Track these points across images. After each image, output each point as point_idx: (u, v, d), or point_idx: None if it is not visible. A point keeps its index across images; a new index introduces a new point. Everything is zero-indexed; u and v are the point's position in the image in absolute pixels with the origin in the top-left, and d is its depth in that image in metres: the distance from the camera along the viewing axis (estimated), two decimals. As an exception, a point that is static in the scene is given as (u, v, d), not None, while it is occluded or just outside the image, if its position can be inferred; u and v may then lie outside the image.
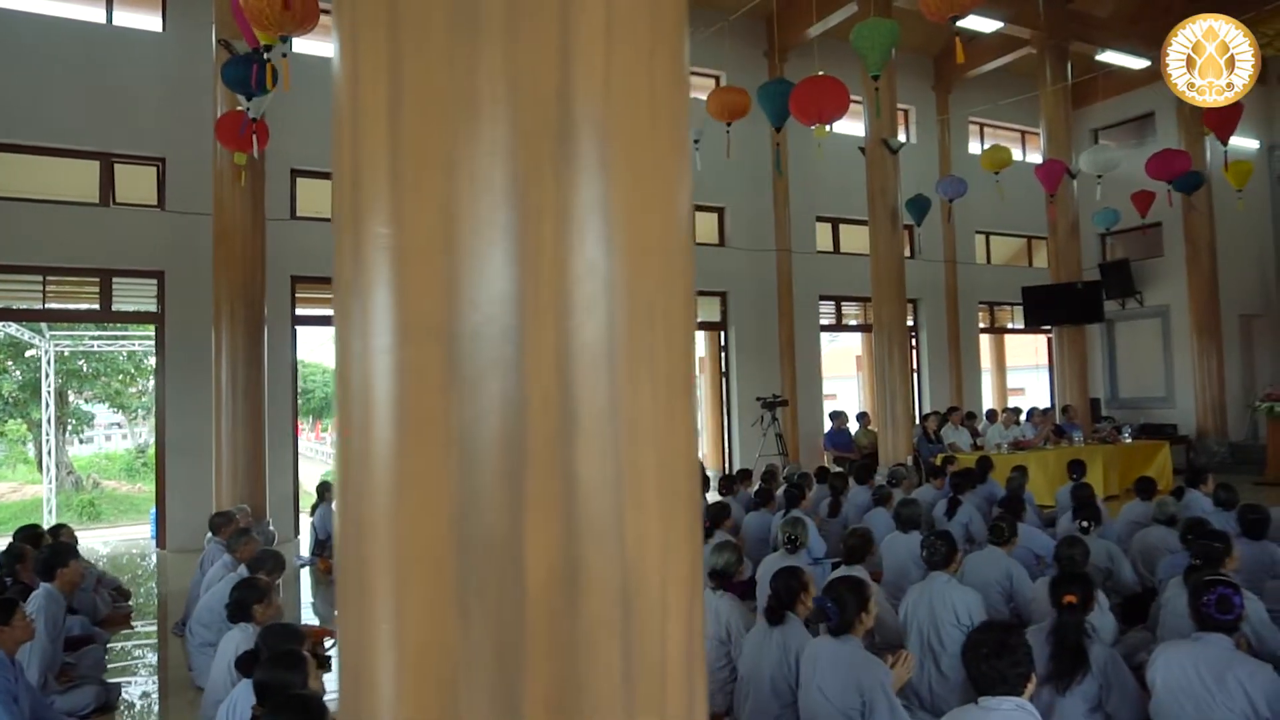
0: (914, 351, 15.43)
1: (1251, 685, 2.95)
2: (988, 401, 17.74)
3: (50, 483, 18.06)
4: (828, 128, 10.83)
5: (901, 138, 15.44)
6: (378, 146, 0.99)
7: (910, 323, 15.32)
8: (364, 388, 0.99)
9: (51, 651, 4.41)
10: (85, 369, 20.99)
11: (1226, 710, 2.97)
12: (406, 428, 0.96)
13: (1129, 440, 12.31)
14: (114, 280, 9.71)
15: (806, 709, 3.30)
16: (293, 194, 10.68)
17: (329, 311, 10.99)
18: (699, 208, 13.41)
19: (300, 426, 37.28)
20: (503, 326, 0.93)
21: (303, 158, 10.68)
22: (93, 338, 18.33)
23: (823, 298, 14.23)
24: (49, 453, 18.14)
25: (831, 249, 14.50)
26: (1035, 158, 14.65)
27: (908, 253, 15.40)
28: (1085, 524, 5.78)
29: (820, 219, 14.30)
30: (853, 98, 8.67)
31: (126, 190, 9.85)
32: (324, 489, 8.90)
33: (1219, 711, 2.98)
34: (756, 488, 7.84)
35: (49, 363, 17.86)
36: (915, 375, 15.42)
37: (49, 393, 17.91)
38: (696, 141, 8.30)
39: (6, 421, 21.52)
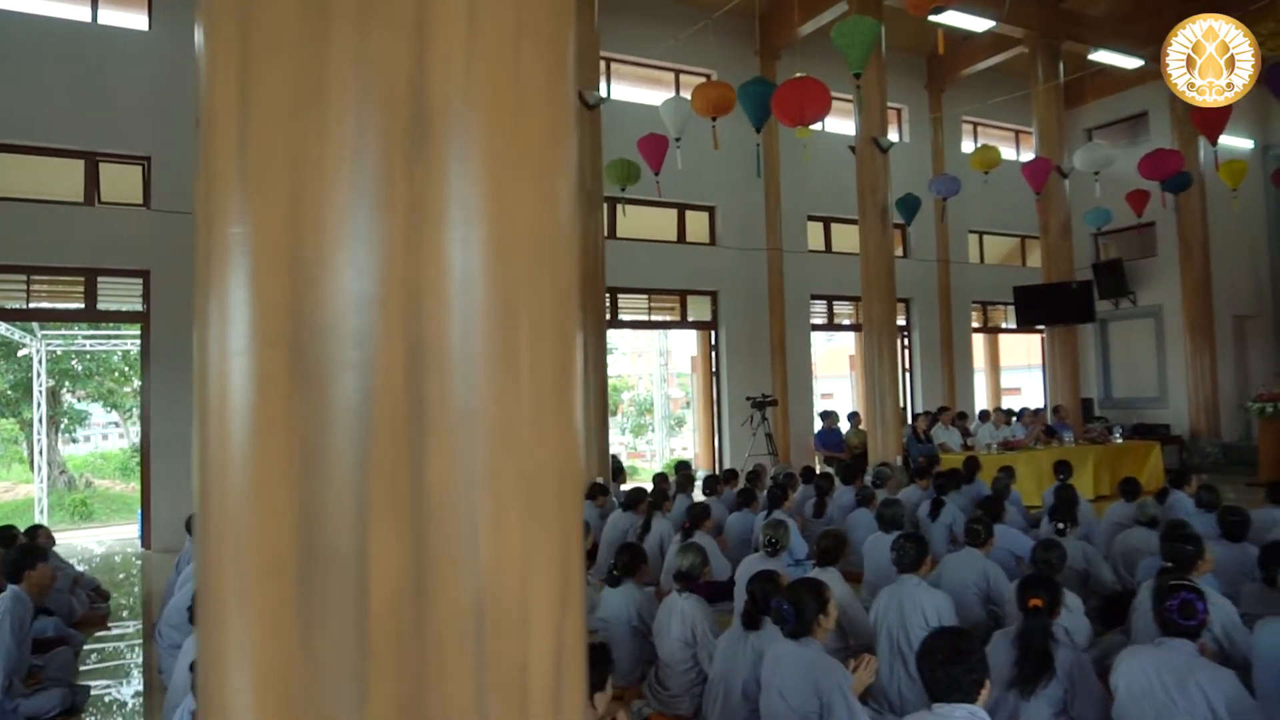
0: (906, 351, 15.41)
1: (1213, 691, 2.91)
2: (981, 402, 17.73)
3: (41, 482, 18.06)
4: (814, 128, 10.78)
5: (894, 137, 15.41)
6: (228, 141, 0.95)
7: (902, 322, 15.32)
8: (218, 392, 0.96)
9: (17, 654, 4.37)
10: (78, 368, 20.96)
11: (1188, 716, 2.93)
12: (253, 434, 0.92)
13: (1120, 441, 12.28)
14: (99, 279, 9.68)
15: (766, 712, 3.26)
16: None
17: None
18: (689, 207, 13.39)
19: None
20: (350, 329, 0.89)
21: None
22: (85, 337, 18.31)
23: (814, 297, 14.19)
24: (40, 452, 18.13)
25: (823, 248, 14.46)
26: (1030, 157, 14.61)
27: (900, 252, 15.38)
28: (1061, 526, 5.74)
29: (812, 218, 14.26)
30: (844, 97, 8.67)
31: (112, 189, 9.81)
32: None
33: (1180, 717, 2.94)
34: (740, 488, 7.79)
35: (40, 362, 17.86)
36: (908, 375, 15.41)
37: (40, 392, 17.90)
38: (678, 139, 8.26)
39: (-1, 421, 21.50)
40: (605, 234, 12.58)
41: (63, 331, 17.68)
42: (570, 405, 1.02)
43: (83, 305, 9.74)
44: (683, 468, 9.86)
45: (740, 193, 13.49)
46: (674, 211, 13.30)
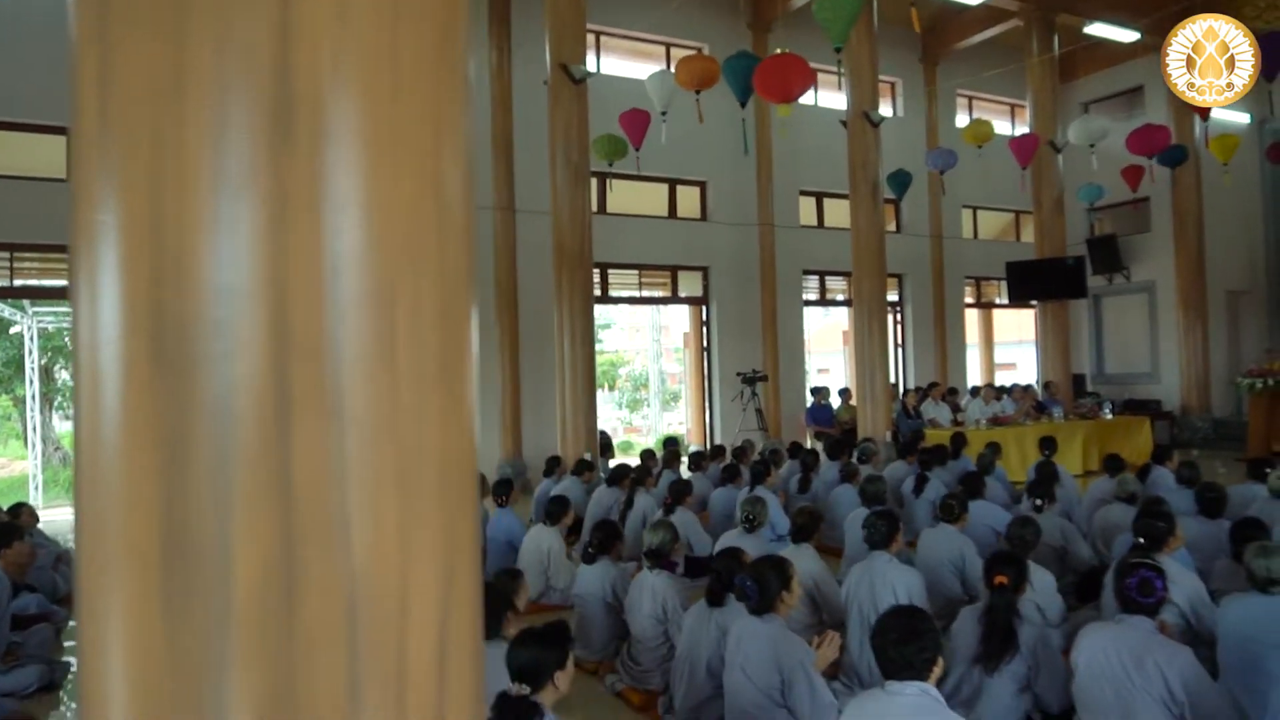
0: (899, 327, 15.39)
1: (1169, 669, 2.93)
2: (975, 378, 17.73)
3: (36, 459, 18.09)
4: (806, 101, 10.63)
5: (888, 111, 15.30)
6: (91, 124, 0.93)
7: (895, 298, 15.29)
8: (89, 381, 0.95)
9: (-7, 630, 4.40)
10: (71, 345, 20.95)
11: (1144, 694, 2.95)
12: (120, 424, 0.91)
13: (1110, 416, 12.29)
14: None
15: (730, 689, 3.29)
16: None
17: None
18: (680, 182, 13.31)
19: None
20: (213, 319, 0.88)
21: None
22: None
23: (806, 272, 14.15)
24: (34, 429, 18.13)
25: (815, 223, 14.39)
26: (1026, 131, 14.47)
27: (893, 227, 15.32)
28: (1039, 502, 5.76)
29: (804, 193, 14.19)
30: (840, 71, 8.58)
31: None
32: None
33: (1137, 695, 2.96)
34: (726, 464, 7.81)
35: (32, 339, 17.82)
36: (900, 350, 15.41)
37: (33, 369, 17.88)
38: (664, 114, 8.17)
39: (-8, 398, 21.49)
40: (595, 209, 12.54)
41: (54, 309, 17.62)
42: (460, 395, 1.01)
43: (66, 283, 9.69)
44: (670, 443, 9.89)
45: (731, 168, 13.40)
46: (665, 187, 13.22)
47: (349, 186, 0.92)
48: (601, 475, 8.58)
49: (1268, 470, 6.25)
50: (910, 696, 2.58)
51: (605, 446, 9.93)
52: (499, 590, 3.37)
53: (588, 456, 9.38)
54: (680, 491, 6.51)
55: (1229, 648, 3.71)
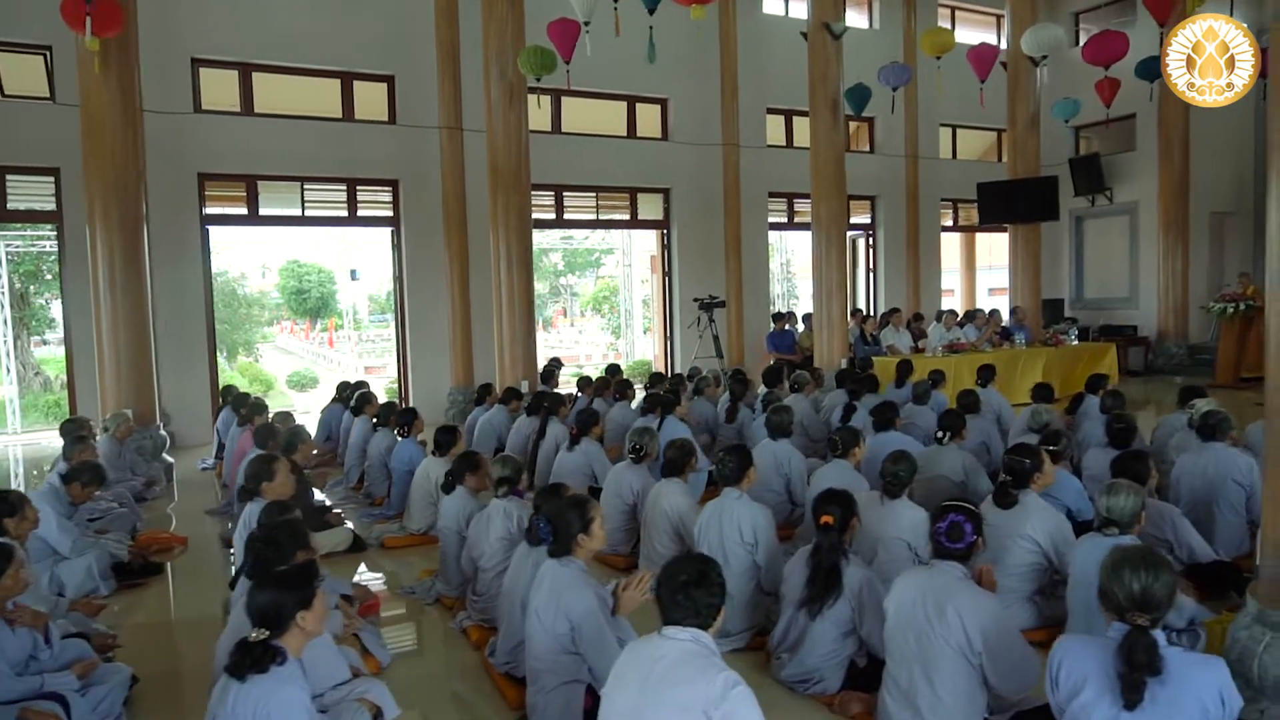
0: (870, 251, 15.01)
1: (969, 618, 2.76)
2: (956, 303, 17.40)
3: (12, 384, 18.13)
4: (773, 11, 10.03)
5: (862, 22, 14.60)
6: None
7: (867, 220, 14.87)
8: None
9: None
10: (44, 270, 20.76)
11: (943, 642, 2.79)
12: None
13: (1075, 342, 12.01)
14: (7, 178, 9.37)
15: (526, 632, 3.15)
16: (195, 86, 10.15)
17: (244, 210, 10.67)
18: (638, 99, 12.79)
19: (291, 326, 36.44)
20: None
21: (205, 46, 10.13)
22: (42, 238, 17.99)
23: (773, 194, 13.71)
24: (9, 354, 18.14)
25: (784, 143, 13.87)
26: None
27: (866, 147, 14.79)
28: (940, 434, 5.56)
29: (771, 111, 13.64)
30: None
31: (16, 82, 9.38)
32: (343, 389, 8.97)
33: (936, 644, 2.81)
34: (648, 394, 7.61)
35: (2, 264, 17.64)
36: (871, 275, 15.06)
37: (4, 293, 17.77)
38: (587, 24, 7.70)
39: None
40: (549, 128, 12.09)
41: (21, 233, 17.37)
42: None
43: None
44: (613, 371, 9.70)
45: (694, 85, 12.85)
46: (623, 105, 12.71)
47: None
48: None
49: (1194, 401, 6.01)
50: (682, 642, 2.42)
51: (548, 375, 9.74)
52: (284, 533, 3.21)
53: (524, 386, 9.22)
54: (586, 422, 6.34)
55: (1073, 588, 3.56)
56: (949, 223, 15.81)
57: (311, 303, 36.50)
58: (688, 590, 2.39)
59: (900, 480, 4.37)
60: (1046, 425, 5.89)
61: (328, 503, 6.99)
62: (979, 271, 18.11)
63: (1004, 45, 14.83)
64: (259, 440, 5.86)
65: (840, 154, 11.02)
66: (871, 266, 15.02)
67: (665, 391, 7.09)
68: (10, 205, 9.53)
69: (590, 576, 3.11)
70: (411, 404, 11.61)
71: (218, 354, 23.27)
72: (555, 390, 9.59)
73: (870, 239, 14.97)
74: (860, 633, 3.37)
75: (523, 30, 9.09)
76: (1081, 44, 11.58)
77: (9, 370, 18.35)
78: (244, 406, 7.54)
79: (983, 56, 9.24)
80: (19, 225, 15.90)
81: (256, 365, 24.46)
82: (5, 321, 18.14)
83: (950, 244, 18.26)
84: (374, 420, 7.25)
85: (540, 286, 36.79)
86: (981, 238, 17.24)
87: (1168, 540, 4.23)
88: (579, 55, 8.45)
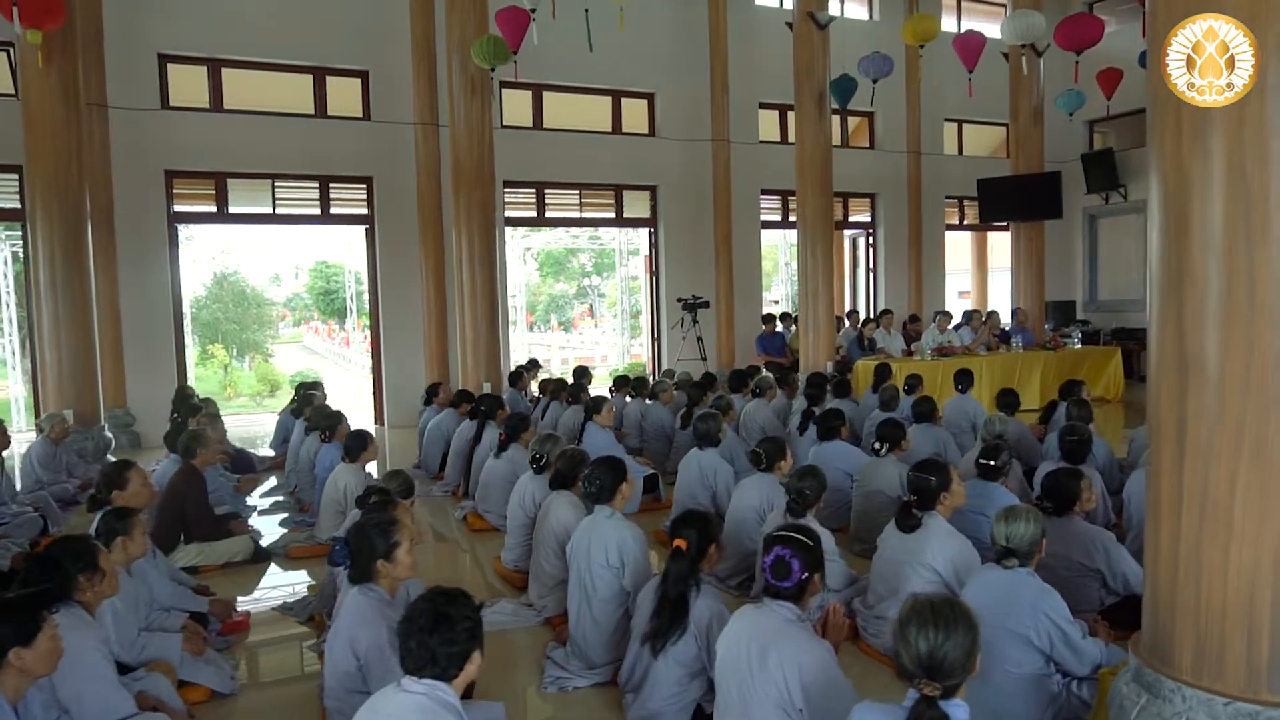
0: (870, 250, 14.51)
1: (791, 668, 2.37)
2: (964, 304, 16.83)
3: (18, 382, 18.30)
4: (767, 3, 9.44)
5: (863, 13, 14.12)
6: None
7: (867, 218, 14.38)
8: None
9: None
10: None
11: (763, 695, 2.41)
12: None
13: (1078, 346, 11.43)
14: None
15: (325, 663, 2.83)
16: (162, 81, 10.01)
17: (212, 208, 10.51)
18: (624, 94, 12.44)
19: (315, 326, 36.57)
20: None
21: (171, 42, 9.98)
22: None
23: (765, 192, 13.26)
24: (13, 353, 18.31)
25: (778, 139, 13.42)
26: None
27: (866, 143, 14.30)
28: (877, 446, 5.14)
29: (764, 105, 13.20)
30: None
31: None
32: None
33: (756, 696, 2.43)
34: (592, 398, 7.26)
35: (6, 263, 17.79)
36: (870, 275, 14.56)
37: (8, 292, 17.93)
38: (533, 10, 7.36)
39: None
40: (530, 124, 11.79)
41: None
42: None
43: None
44: (581, 374, 9.36)
45: (683, 79, 12.47)
46: (608, 99, 12.37)
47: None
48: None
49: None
50: (416, 696, 2.10)
51: (515, 377, 9.44)
52: (67, 550, 2.92)
53: (486, 387, 8.92)
54: (515, 427, 6.02)
55: (966, 627, 3.14)
56: (954, 221, 15.22)
57: (340, 303, 36.72)
58: (421, 637, 2.06)
59: (805, 498, 3.99)
60: (1000, 437, 5.44)
61: (259, 506, 6.77)
62: (992, 272, 17.46)
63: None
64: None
65: (827, 149, 10.59)
66: (871, 266, 14.51)
67: (593, 400, 6.73)
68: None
69: (388, 608, 2.77)
70: (385, 403, 11.40)
71: (230, 353, 23.38)
72: (527, 392, 9.32)
73: (870, 238, 14.46)
74: (710, 674, 2.99)
75: (486, 21, 8.78)
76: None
77: (14, 369, 18.55)
78: (184, 409, 7.33)
79: (969, 45, 8.73)
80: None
81: (268, 364, 24.53)
82: (11, 320, 18.35)
83: (962, 243, 17.66)
84: (306, 423, 7.00)
85: (568, 287, 36.64)
86: (995, 237, 16.61)
87: (1098, 569, 3.78)
88: (566, 49, 8.07)
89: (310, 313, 39.46)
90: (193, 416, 7.05)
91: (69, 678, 2.74)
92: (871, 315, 13.33)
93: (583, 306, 37.59)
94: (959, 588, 3.47)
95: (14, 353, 18.33)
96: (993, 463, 4.56)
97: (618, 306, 33.34)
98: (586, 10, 7.26)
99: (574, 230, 22.59)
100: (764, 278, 14.42)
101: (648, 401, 7.99)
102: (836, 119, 13.92)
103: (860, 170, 13.81)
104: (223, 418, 8.30)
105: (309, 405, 7.48)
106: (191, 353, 21.18)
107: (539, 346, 30.30)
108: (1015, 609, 2.95)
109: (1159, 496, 2.25)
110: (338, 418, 6.35)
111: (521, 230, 20.69)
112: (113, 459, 8.05)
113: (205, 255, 23.11)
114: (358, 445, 5.40)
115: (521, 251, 30.53)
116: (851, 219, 14.39)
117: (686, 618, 2.95)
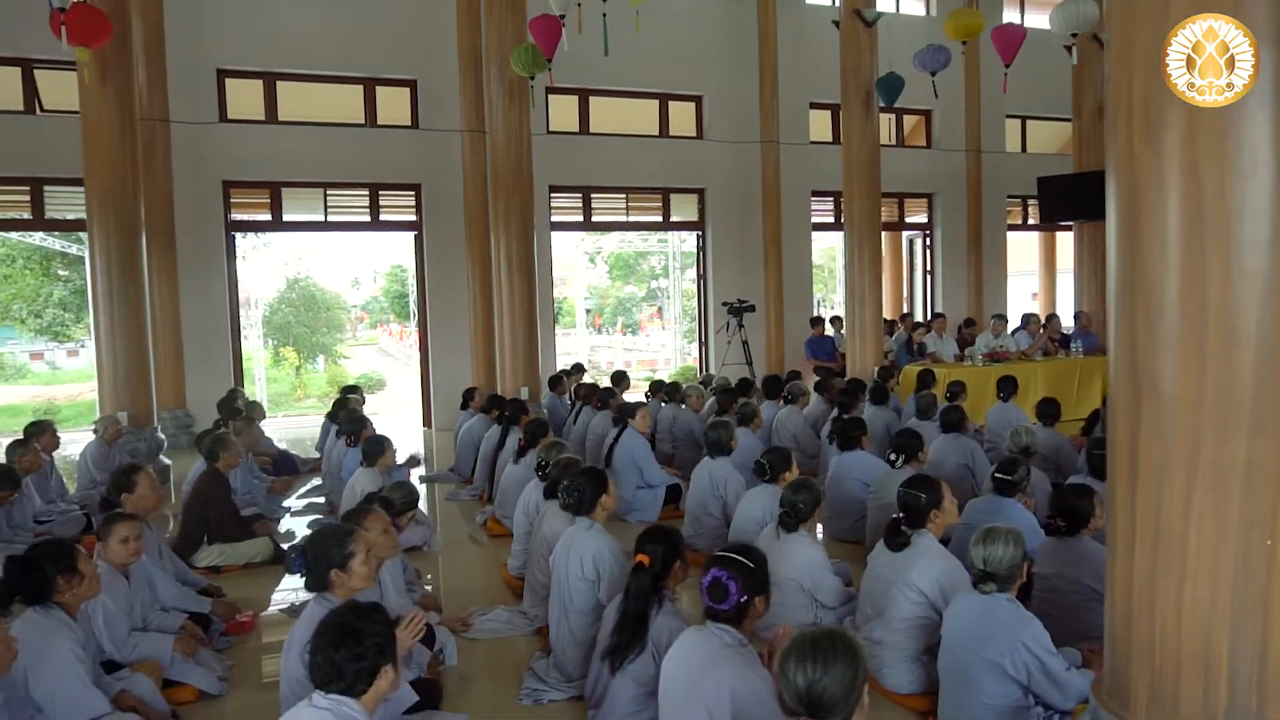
0: (928, 252, 14.12)
1: (720, 695, 2.28)
2: (1028, 308, 16.23)
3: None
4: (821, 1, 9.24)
5: (919, 8, 13.75)
6: None
7: (924, 219, 14.01)
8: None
9: None
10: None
11: (692, 716, 2.32)
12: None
13: (1144, 352, 10.86)
14: (45, 189, 9.81)
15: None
16: (221, 96, 10.38)
17: (266, 216, 10.86)
18: (671, 97, 12.38)
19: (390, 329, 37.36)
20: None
21: (230, 57, 10.35)
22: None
23: (816, 194, 13.02)
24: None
25: (830, 139, 13.15)
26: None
27: (923, 142, 13.92)
28: (893, 457, 4.96)
29: (815, 105, 12.97)
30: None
31: (55, 97, 9.83)
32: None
33: (687, 717, 2.34)
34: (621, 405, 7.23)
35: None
36: (928, 278, 14.16)
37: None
38: (562, 17, 7.35)
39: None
40: (577, 129, 11.83)
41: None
42: None
43: (29, 215, 9.93)
44: (617, 379, 9.34)
45: (731, 80, 12.34)
46: (655, 103, 12.32)
47: None
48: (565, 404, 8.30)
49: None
50: (321, 711, 2.10)
51: (555, 382, 9.48)
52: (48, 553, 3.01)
53: (523, 393, 8.98)
54: (535, 433, 6.02)
55: (943, 650, 3.01)
56: (1017, 221, 14.68)
57: (411, 305, 37.60)
58: (328, 651, 2.06)
59: (798, 512, 3.88)
60: (1026, 450, 5.20)
61: (293, 508, 6.97)
62: (1061, 274, 16.78)
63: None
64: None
65: (875, 149, 10.34)
66: (929, 268, 14.10)
67: (622, 406, 6.70)
68: (49, 215, 9.98)
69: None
70: (432, 407, 11.58)
71: (301, 355, 24.08)
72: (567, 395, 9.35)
73: (927, 239, 14.06)
74: (667, 693, 2.91)
75: (523, 29, 8.84)
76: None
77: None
78: (226, 411, 7.58)
79: (1007, 37, 8.39)
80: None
81: (338, 366, 25.26)
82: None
83: (1029, 245, 17.04)
84: (335, 427, 7.15)
85: (637, 290, 36.73)
86: (1064, 237, 15.95)
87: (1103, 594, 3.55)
88: (612, 53, 7.97)
89: (386, 315, 40.46)
90: (233, 420, 7.27)
91: (42, 677, 2.85)
92: (925, 319, 12.96)
93: (651, 309, 37.61)
94: (944, 611, 3.32)
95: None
96: (1010, 478, 4.34)
97: (672, 309, 33.33)
98: (604, 15, 7.22)
99: (644, 233, 22.62)
100: (824, 281, 14.18)
101: (681, 406, 7.90)
102: (891, 118, 13.63)
103: (917, 170, 13.45)
104: (272, 419, 8.58)
105: (343, 409, 7.64)
106: (264, 356, 22.01)
107: (604, 349, 30.41)
108: (991, 637, 2.79)
109: (1115, 525, 2.09)
110: (362, 422, 6.46)
111: (593, 233, 20.89)
112: (166, 460, 8.43)
113: (279, 261, 23.89)
114: (375, 450, 5.48)
115: (592, 255, 30.78)
116: (908, 220, 14.03)
117: (646, 635, 2.88)
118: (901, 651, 3.34)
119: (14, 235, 17.84)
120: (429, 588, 5.04)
